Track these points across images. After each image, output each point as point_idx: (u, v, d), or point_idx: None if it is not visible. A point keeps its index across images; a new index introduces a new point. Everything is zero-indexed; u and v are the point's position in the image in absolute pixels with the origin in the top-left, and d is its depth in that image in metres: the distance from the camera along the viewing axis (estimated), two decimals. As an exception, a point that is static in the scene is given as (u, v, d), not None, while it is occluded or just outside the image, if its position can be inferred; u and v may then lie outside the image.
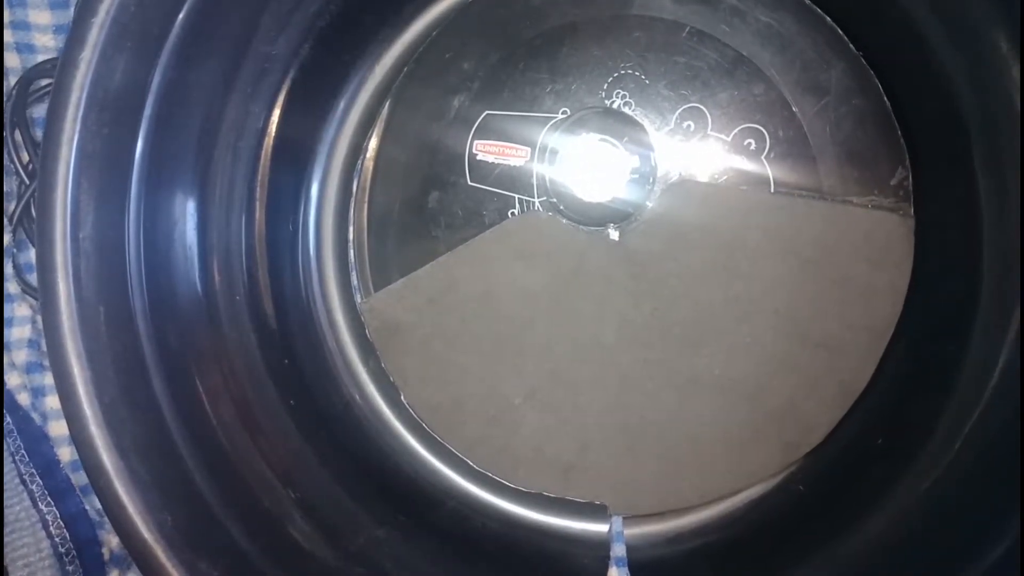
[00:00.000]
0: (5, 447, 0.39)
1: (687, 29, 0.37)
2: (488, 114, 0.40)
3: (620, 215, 0.39)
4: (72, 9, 0.38)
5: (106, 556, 0.40)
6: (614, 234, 0.39)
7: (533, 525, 0.41)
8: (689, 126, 0.38)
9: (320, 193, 0.43)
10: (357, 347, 0.43)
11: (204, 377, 0.35)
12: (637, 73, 0.38)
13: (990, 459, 0.32)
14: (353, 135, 0.43)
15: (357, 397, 0.43)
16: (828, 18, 0.37)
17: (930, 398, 0.35)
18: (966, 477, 0.33)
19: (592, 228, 0.39)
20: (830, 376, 0.37)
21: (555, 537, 0.40)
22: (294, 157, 0.42)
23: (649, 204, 0.39)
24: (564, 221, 0.39)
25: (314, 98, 0.42)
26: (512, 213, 0.40)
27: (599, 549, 0.39)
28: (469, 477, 0.41)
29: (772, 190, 0.38)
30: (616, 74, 0.38)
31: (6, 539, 0.38)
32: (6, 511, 0.38)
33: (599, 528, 0.40)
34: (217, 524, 0.32)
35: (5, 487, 0.38)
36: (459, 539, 0.40)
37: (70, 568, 0.39)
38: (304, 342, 0.42)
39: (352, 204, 0.43)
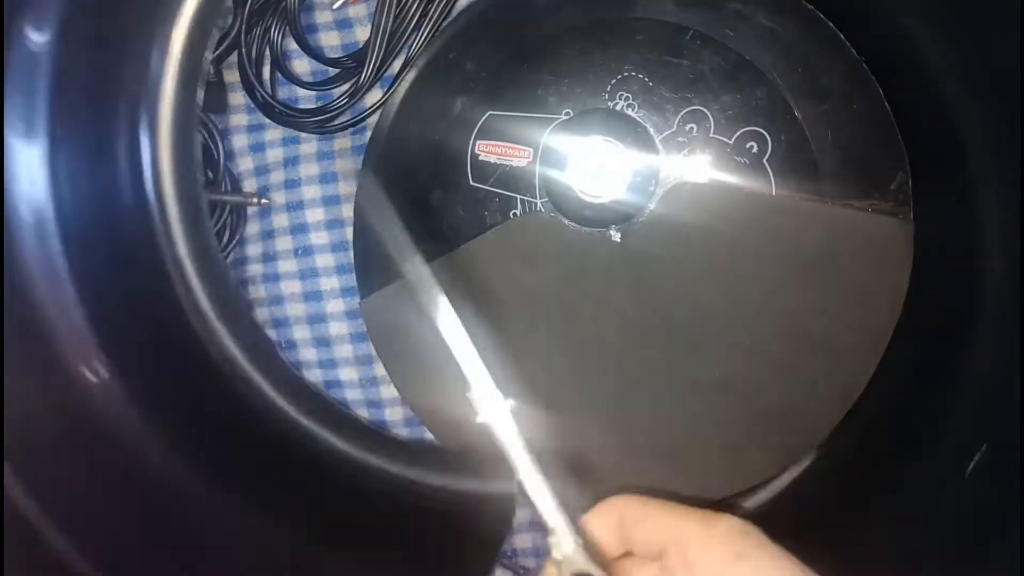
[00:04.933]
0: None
1: (690, 32, 0.38)
2: (491, 114, 0.40)
3: (622, 216, 0.39)
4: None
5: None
6: (616, 235, 0.39)
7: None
8: (691, 128, 0.38)
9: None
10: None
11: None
12: (640, 75, 0.38)
13: (991, 460, 0.32)
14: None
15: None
16: (830, 23, 0.37)
17: (930, 400, 0.35)
18: (967, 479, 0.33)
19: (594, 229, 0.39)
20: (830, 378, 0.37)
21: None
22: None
23: (651, 206, 0.39)
24: (566, 222, 0.39)
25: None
26: (514, 214, 0.40)
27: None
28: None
29: (773, 193, 0.38)
30: (619, 76, 0.39)
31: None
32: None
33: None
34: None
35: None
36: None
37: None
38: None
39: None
